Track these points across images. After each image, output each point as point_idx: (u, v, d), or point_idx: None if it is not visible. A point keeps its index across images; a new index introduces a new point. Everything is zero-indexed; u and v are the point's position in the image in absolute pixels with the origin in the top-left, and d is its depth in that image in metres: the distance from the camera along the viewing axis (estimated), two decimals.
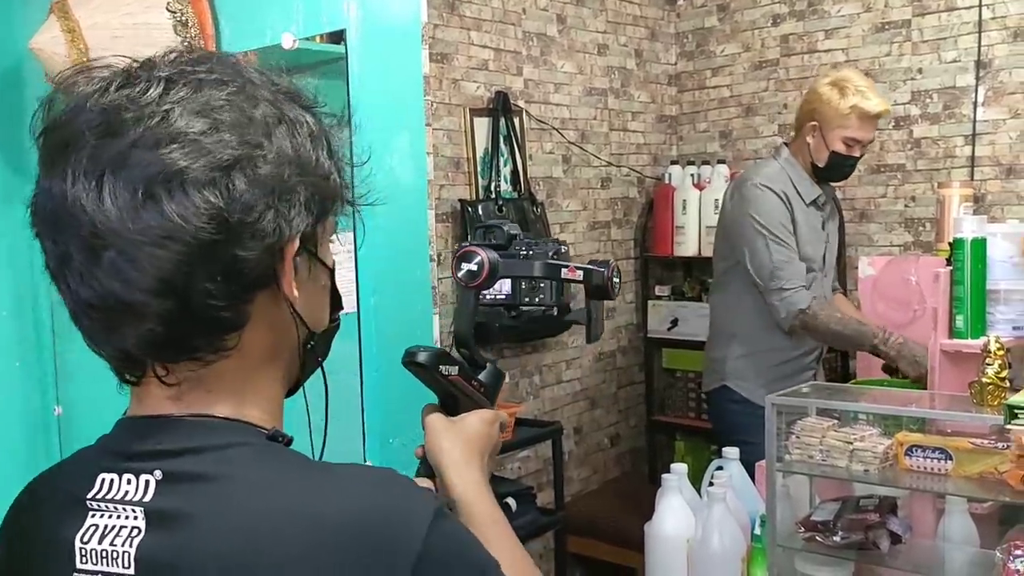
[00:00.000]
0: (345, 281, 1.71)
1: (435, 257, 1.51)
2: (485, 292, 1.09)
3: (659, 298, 4.16)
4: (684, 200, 3.97)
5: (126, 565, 0.71)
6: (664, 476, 1.99)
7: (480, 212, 3.20)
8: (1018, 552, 1.81)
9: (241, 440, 0.74)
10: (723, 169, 3.96)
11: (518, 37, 3.47)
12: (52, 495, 0.79)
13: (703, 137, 4.26)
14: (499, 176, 3.36)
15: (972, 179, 3.44)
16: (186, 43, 1.44)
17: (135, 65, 0.74)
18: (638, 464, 4.19)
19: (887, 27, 3.66)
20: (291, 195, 0.73)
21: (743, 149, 4.11)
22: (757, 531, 2.06)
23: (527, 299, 1.17)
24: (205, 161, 0.69)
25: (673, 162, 4.17)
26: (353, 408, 1.39)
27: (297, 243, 0.74)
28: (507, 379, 1.11)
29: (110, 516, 0.73)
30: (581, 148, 3.83)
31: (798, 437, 2.16)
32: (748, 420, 2.51)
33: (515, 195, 3.42)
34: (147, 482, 0.73)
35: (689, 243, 3.97)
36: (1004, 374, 1.85)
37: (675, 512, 1.97)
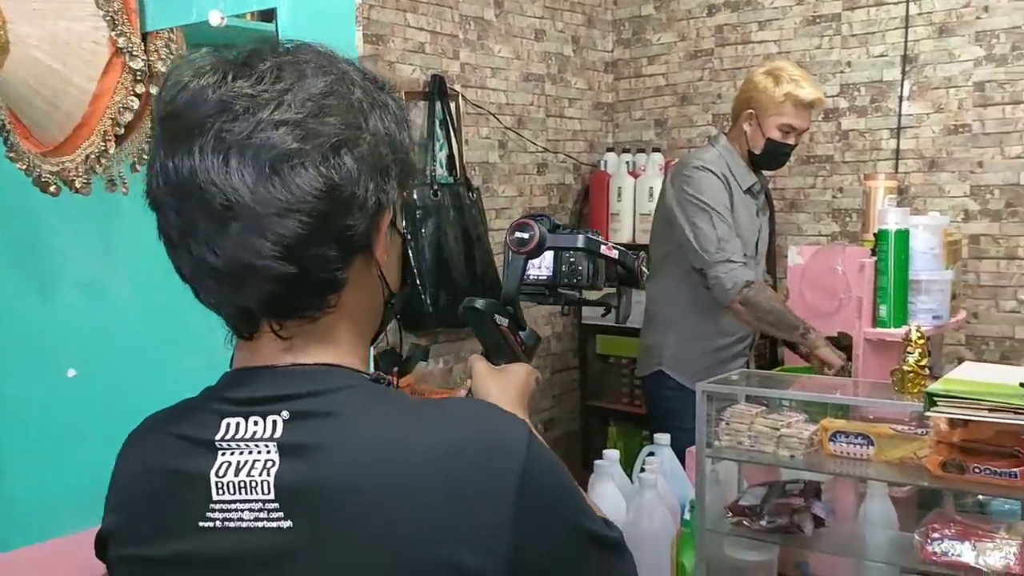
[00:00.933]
0: None
1: None
2: (530, 267, 1.22)
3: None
4: (619, 187, 4.00)
5: (266, 492, 0.80)
6: (596, 462, 2.01)
7: (415, 196, 3.18)
8: (935, 535, 1.87)
9: (352, 383, 0.85)
10: (658, 157, 3.99)
11: (455, 20, 3.44)
12: (174, 441, 0.86)
13: (639, 125, 4.29)
14: (435, 161, 3.34)
15: (897, 171, 3.53)
16: (108, 16, 1.39)
17: (244, 55, 0.82)
18: (572, 449, 4.22)
19: (818, 20, 3.72)
20: (387, 171, 0.84)
21: (678, 138, 4.15)
22: (687, 516, 2.09)
23: (566, 280, 1.26)
24: (317, 142, 0.78)
25: (609, 149, 4.19)
26: None
27: (390, 214, 0.86)
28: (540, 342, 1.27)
29: (242, 453, 0.81)
30: (518, 134, 3.83)
31: (727, 423, 2.19)
32: (682, 406, 2.53)
33: (451, 180, 3.40)
34: (275, 422, 0.82)
35: (624, 230, 4.00)
36: (924, 362, 1.90)
37: (607, 497, 1.99)
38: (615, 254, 1.25)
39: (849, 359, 2.46)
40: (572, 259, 1.27)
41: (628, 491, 2.10)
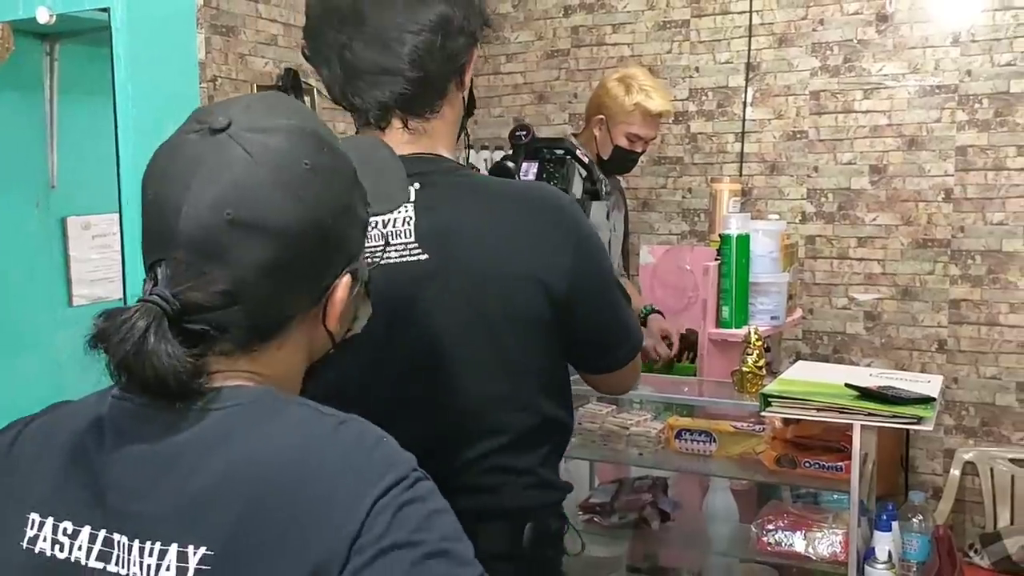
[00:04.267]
0: (111, 264, 1.60)
1: None
2: (521, 173, 1.64)
3: None
4: None
5: (408, 236, 1.16)
6: None
7: None
8: (770, 526, 1.97)
9: (457, 166, 1.25)
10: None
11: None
12: None
13: (498, 122, 4.32)
14: None
15: (741, 174, 3.69)
16: None
17: None
18: None
19: (668, 26, 3.84)
20: (473, 11, 1.18)
21: (536, 135, 4.19)
22: None
23: (545, 181, 1.63)
24: None
25: (468, 146, 4.20)
26: None
27: (476, 51, 1.21)
28: None
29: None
30: None
31: (580, 423, 2.24)
32: None
33: None
34: (410, 188, 1.13)
35: None
36: (761, 363, 2.00)
37: None
38: (586, 160, 1.73)
39: (693, 355, 2.56)
40: (552, 167, 1.68)
41: None
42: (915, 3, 3.37)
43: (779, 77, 3.63)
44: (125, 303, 1.27)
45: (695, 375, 2.43)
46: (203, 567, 0.71)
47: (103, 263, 1.67)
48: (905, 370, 3.42)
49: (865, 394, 1.67)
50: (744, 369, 1.96)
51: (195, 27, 1.33)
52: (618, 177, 3.73)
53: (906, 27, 3.39)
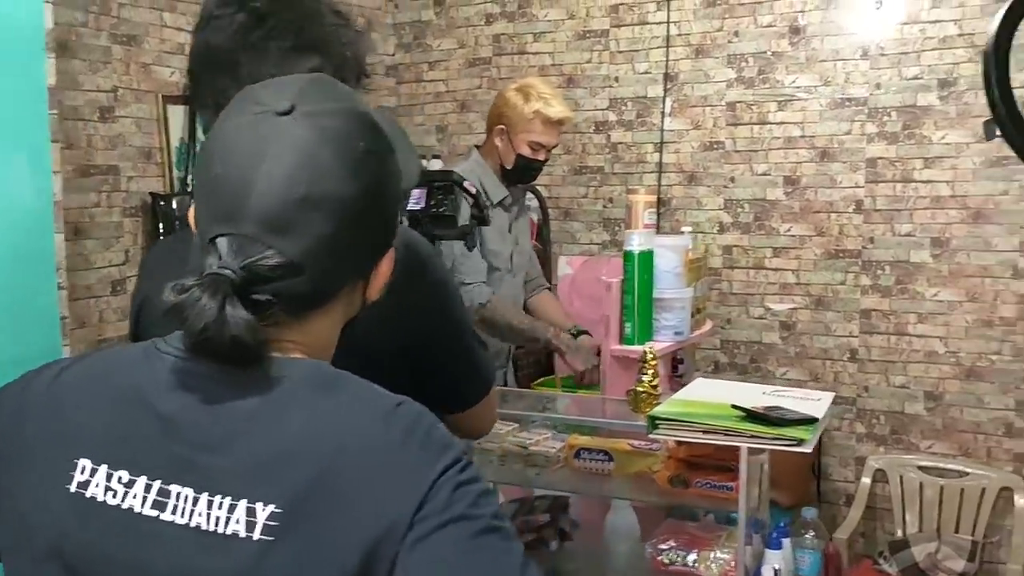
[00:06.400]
0: None
1: (64, 285, 1.38)
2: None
3: None
4: None
5: None
6: None
7: (174, 206, 3.02)
8: (664, 546, 1.97)
9: None
10: (438, 164, 3.99)
11: None
12: None
13: (420, 131, 4.28)
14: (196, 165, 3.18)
15: (660, 184, 3.71)
16: None
17: None
18: None
19: (588, 35, 3.85)
20: (348, 64, 1.19)
21: (458, 144, 4.17)
22: None
23: (434, 210, 1.64)
24: None
25: None
26: None
27: None
28: None
29: None
30: None
31: (479, 443, 2.22)
32: None
33: None
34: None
35: None
36: (656, 382, 1.99)
37: None
38: (473, 190, 1.68)
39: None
40: (440, 194, 1.65)
41: None
42: (826, 16, 3.41)
43: (696, 88, 3.65)
44: None
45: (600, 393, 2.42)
46: (271, 523, 0.75)
47: None
48: (818, 380, 3.47)
49: (750, 415, 1.67)
50: (639, 389, 1.96)
51: (44, 51, 1.27)
52: (536, 187, 3.74)
53: (817, 40, 3.43)
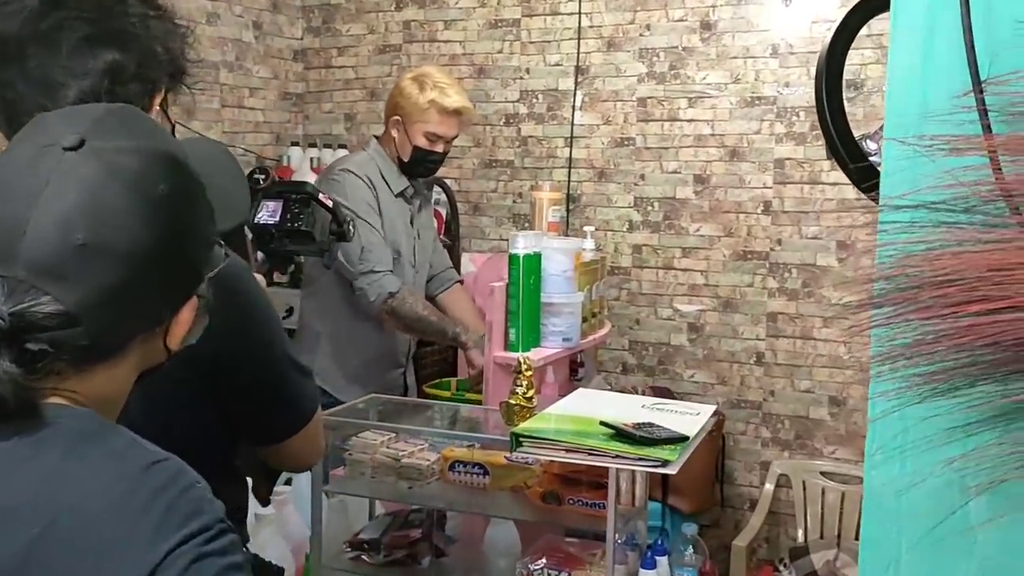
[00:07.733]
0: None
1: None
2: (263, 210, 1.60)
3: (278, 284, 3.97)
4: None
5: None
6: None
7: None
8: (536, 565, 1.88)
9: None
10: (344, 153, 3.85)
11: None
12: None
13: (329, 118, 4.13)
14: None
15: (570, 180, 3.61)
16: None
17: None
18: None
19: (499, 24, 3.72)
20: (154, 59, 1.10)
21: (367, 133, 4.00)
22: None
23: (289, 225, 1.61)
24: None
25: (294, 143, 4.00)
26: None
27: (161, 92, 1.14)
28: None
29: None
30: (185, 127, 3.53)
31: (351, 454, 2.10)
32: None
33: None
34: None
35: None
36: (531, 394, 1.89)
37: None
38: (330, 203, 1.65)
39: None
40: (296, 208, 1.60)
41: (253, 527, 1.95)
42: (737, 12, 3.34)
43: (608, 82, 3.56)
44: None
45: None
46: None
47: None
48: (725, 383, 3.42)
49: (618, 433, 1.58)
50: (511, 401, 1.85)
51: None
52: (444, 180, 3.62)
53: (728, 36, 3.36)
